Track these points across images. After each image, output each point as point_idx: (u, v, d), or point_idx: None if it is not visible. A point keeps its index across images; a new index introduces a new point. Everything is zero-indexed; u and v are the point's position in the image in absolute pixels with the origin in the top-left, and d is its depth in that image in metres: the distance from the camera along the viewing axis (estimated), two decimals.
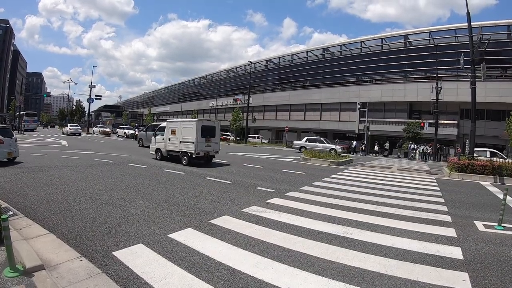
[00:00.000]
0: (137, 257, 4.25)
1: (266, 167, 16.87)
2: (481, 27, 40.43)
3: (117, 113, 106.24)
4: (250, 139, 56.35)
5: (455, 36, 46.89)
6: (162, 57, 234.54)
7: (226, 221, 6.21)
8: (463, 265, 4.86)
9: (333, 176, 14.49)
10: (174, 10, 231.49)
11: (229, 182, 11.12)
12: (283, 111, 66.02)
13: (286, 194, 9.44)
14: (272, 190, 9.89)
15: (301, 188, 10.61)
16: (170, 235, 5.16)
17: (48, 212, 6.17)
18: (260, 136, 60.37)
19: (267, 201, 8.29)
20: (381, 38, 56.53)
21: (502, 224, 7.24)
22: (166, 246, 4.71)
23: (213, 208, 7.21)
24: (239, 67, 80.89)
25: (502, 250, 5.70)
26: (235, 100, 69.28)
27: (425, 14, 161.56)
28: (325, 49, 63.65)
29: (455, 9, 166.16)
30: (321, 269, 4.32)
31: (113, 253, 4.34)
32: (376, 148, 44.81)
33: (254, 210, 7.25)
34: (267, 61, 74.68)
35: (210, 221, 6.12)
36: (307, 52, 66.58)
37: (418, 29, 55.55)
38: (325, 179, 13.33)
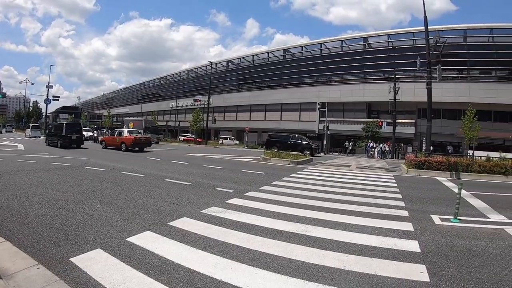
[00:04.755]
0: (95, 263, 4.19)
1: (226, 167, 16.92)
2: (439, 30, 42.28)
3: (75, 114, 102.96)
4: (222, 141, 57.07)
5: (413, 39, 48.92)
6: (122, 57, 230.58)
7: (185, 223, 6.20)
8: (421, 258, 5.04)
9: (292, 175, 14.68)
10: (136, 8, 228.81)
11: (189, 183, 11.08)
12: (244, 112, 66.41)
13: (245, 194, 9.49)
14: (231, 191, 9.91)
15: (261, 188, 10.70)
16: (128, 239, 5.11)
17: (3, 219, 5.95)
18: (232, 137, 60.44)
19: (226, 201, 8.31)
20: (342, 40, 57.90)
21: (458, 217, 7.58)
22: (124, 250, 4.66)
23: (172, 210, 7.17)
24: (200, 67, 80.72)
25: (458, 242, 5.98)
26: (196, 101, 69.13)
27: (386, 18, 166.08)
28: (286, 50, 64.44)
29: (415, 14, 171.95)
30: (280, 267, 4.37)
31: (70, 259, 4.25)
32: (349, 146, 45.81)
33: (213, 211, 7.25)
34: (228, 61, 74.83)
35: (169, 223, 6.09)
36: (268, 53, 67.21)
37: (378, 32, 57.40)
38: (285, 178, 13.49)
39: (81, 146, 28.36)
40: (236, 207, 7.74)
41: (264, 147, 36.07)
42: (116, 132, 29.61)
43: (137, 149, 26.56)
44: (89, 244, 4.84)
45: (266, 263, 4.49)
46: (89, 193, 8.59)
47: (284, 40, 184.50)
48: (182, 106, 78.53)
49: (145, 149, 27.68)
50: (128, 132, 28.20)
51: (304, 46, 62.86)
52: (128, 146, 25.99)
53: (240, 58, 73.19)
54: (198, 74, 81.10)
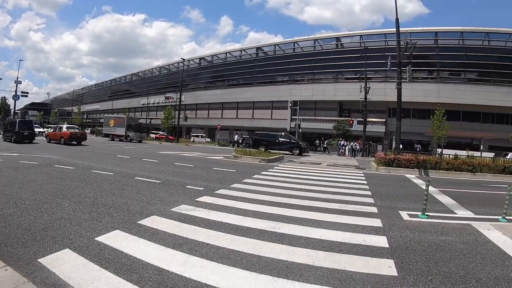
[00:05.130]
0: (64, 263, 4.14)
1: (197, 165, 16.89)
2: (411, 32, 43.59)
3: (45, 111, 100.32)
4: (194, 138, 56.93)
5: (385, 40, 50.14)
6: (94, 52, 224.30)
7: (154, 221, 6.18)
8: (389, 253, 5.18)
9: (263, 173, 14.80)
10: (109, 2, 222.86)
11: (159, 181, 11.03)
12: (216, 109, 66.28)
13: (215, 192, 9.51)
14: (201, 189, 9.92)
15: (231, 186, 10.75)
16: (97, 238, 5.07)
17: None
18: (204, 135, 60.11)
19: (196, 199, 8.33)
20: (315, 40, 58.50)
21: (426, 213, 7.84)
22: (93, 250, 4.62)
23: (141, 208, 7.14)
24: (172, 64, 79.97)
25: (426, 237, 6.18)
26: (167, 98, 68.19)
27: (360, 19, 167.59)
28: (259, 48, 64.58)
29: (388, 16, 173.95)
30: (249, 264, 4.42)
31: (39, 260, 4.20)
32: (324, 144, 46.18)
33: (183, 209, 7.25)
34: (200, 58, 74.48)
35: (138, 222, 6.06)
36: (241, 50, 67.23)
37: (351, 32, 58.60)
38: (255, 176, 13.59)
39: (33, 141, 30.04)
40: (206, 205, 7.74)
41: (235, 146, 35.78)
42: (58, 128, 33.85)
43: (74, 142, 29.64)
44: (58, 244, 4.79)
45: (235, 261, 4.52)
46: (57, 192, 8.45)
47: (258, 38, 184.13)
48: (154, 103, 77.59)
49: (118, 144, 29.33)
50: (67, 128, 31.81)
51: (277, 44, 63.11)
52: (66, 140, 29.18)
53: (213, 56, 72.85)
54: (170, 71, 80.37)
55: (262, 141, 32.99)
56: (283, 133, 36.37)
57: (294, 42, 59.78)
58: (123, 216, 6.48)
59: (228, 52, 69.49)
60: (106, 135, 47.33)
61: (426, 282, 4.19)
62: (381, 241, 5.75)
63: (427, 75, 49.78)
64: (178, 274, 3.98)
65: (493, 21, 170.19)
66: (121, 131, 44.16)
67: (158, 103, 75.79)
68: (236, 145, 44.13)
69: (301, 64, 57.03)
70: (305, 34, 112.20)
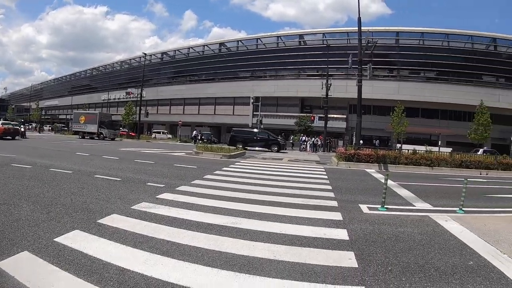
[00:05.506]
0: (23, 266, 4.06)
1: (158, 162, 16.80)
2: (373, 32, 44.73)
3: (1, 107, 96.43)
4: (155, 135, 55.77)
5: (348, 39, 51.68)
6: (53, 45, 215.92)
7: (114, 220, 6.11)
8: (349, 245, 5.34)
9: (224, 168, 14.88)
10: None
11: (119, 179, 10.90)
12: (177, 105, 65.97)
13: (176, 188, 9.50)
14: (162, 185, 9.90)
15: (192, 182, 10.75)
16: (56, 239, 4.97)
17: None
18: (165, 131, 59.37)
19: (157, 196, 8.30)
20: (278, 36, 59.06)
21: (385, 206, 8.14)
22: (52, 251, 4.54)
23: (101, 207, 7.04)
24: (133, 58, 78.84)
25: (385, 229, 6.42)
26: (128, 93, 67.03)
27: (324, 17, 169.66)
28: (222, 44, 64.58)
29: (352, 15, 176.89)
30: (210, 260, 4.44)
31: None
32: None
33: (144, 206, 7.21)
34: (163, 53, 73.71)
35: (98, 221, 5.98)
36: (204, 46, 67.09)
37: (314, 30, 60.04)
38: (217, 172, 13.65)
39: None
40: (167, 202, 7.74)
41: (197, 142, 35.39)
42: None
43: (9, 137, 30.99)
44: (16, 246, 4.67)
45: (196, 257, 4.54)
46: (15, 192, 8.19)
47: (222, 34, 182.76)
48: (115, 98, 76.03)
49: (78, 143, 29.01)
50: (1, 124, 32.99)
51: (240, 40, 63.34)
52: (0, 135, 30.20)
53: (175, 50, 72.31)
54: (132, 66, 79.11)
55: (239, 138, 32.73)
56: (259, 130, 36.49)
57: (257, 39, 60.15)
58: (82, 215, 6.37)
59: (191, 47, 69.07)
60: (76, 133, 45.42)
61: (386, 273, 4.35)
62: (342, 234, 5.91)
63: (387, 73, 51.80)
64: (140, 273, 3.95)
65: (453, 24, 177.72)
66: (92, 128, 42.58)
67: (119, 98, 74.32)
68: (194, 141, 43.88)
69: (264, 60, 57.46)
70: (268, 31, 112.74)
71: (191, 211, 6.98)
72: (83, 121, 43.89)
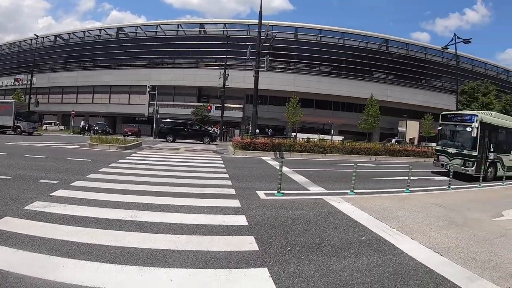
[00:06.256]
0: None
1: (50, 156, 15.62)
2: (273, 25, 47.09)
3: None
4: (46, 126, 50.96)
5: (248, 30, 53.23)
6: None
7: (7, 223, 5.58)
8: (249, 230, 5.62)
9: (120, 160, 14.54)
10: None
11: (9, 177, 9.86)
12: (70, 94, 61.82)
13: (71, 184, 9.02)
14: (56, 182, 9.29)
15: (88, 176, 10.29)
16: None
17: None
18: (57, 122, 55.20)
19: (51, 194, 7.79)
20: (178, 24, 58.61)
21: (281, 191, 8.60)
22: None
23: None
24: (24, 41, 71.88)
25: (282, 213, 6.83)
26: (17, 80, 61.23)
27: (226, 8, 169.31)
28: (120, 29, 62.21)
29: (254, 7, 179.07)
30: (113, 257, 4.38)
31: None
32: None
33: (37, 206, 6.71)
34: (56, 36, 68.24)
35: None
36: (101, 30, 64.02)
37: (215, 20, 60.56)
38: (113, 164, 13.26)
39: None
40: (62, 200, 7.34)
41: (89, 133, 33.70)
42: None
43: None
44: None
45: (98, 255, 4.43)
46: None
47: (121, 18, 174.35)
48: (1, 86, 68.92)
49: None
50: None
51: (139, 26, 61.54)
52: None
53: (70, 34, 67.34)
54: (22, 49, 72.33)
55: (170, 131, 31.53)
56: (189, 122, 35.51)
57: (157, 25, 58.95)
58: None
59: (87, 31, 65.25)
60: None
61: (286, 253, 4.71)
62: (241, 220, 6.20)
63: (285, 65, 54.20)
64: (41, 278, 3.73)
65: (351, 24, 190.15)
66: (7, 120, 34.84)
67: (6, 85, 66.86)
68: (82, 132, 42.16)
69: (162, 48, 56.53)
70: (170, 18, 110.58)
71: (89, 207, 6.69)
72: None
